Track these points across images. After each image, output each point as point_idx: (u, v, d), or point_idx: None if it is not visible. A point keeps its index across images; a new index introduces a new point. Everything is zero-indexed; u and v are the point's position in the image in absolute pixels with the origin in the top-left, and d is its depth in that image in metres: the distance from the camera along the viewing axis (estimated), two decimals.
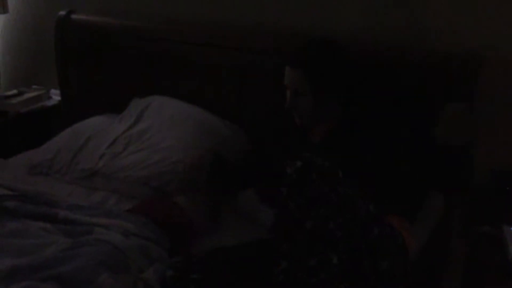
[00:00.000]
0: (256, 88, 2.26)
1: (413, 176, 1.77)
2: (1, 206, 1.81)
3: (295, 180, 1.46)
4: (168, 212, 1.88)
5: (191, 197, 1.97)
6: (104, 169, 2.15)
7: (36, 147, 2.39)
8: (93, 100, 2.70)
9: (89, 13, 2.64)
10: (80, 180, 2.17)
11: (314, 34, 2.10)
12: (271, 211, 1.86)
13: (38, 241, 1.63)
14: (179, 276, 1.53)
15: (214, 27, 2.38)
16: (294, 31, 2.23)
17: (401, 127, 1.84)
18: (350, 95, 1.88)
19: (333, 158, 1.54)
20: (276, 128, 2.05)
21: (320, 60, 1.82)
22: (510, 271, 1.69)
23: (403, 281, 1.55)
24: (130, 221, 1.75)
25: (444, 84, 1.92)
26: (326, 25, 2.20)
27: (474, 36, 1.98)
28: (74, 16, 2.63)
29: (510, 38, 1.94)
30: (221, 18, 2.40)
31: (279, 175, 1.52)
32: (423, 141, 1.88)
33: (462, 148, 1.93)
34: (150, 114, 2.33)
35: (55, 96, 2.90)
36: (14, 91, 2.85)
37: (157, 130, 2.23)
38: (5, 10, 2.84)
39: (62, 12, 2.64)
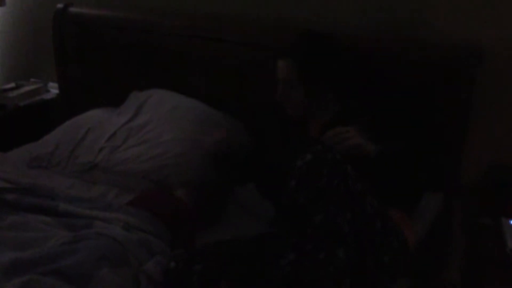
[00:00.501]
0: (256, 82, 2.25)
1: (412, 170, 1.77)
2: (1, 199, 1.81)
3: (305, 172, 1.45)
4: (167, 204, 1.88)
5: (192, 191, 1.97)
6: (103, 163, 2.15)
7: (35, 141, 2.39)
8: (91, 93, 2.69)
9: (86, 6, 2.63)
10: (80, 173, 2.17)
11: (313, 28, 2.10)
12: (271, 205, 1.86)
13: (38, 235, 1.63)
14: (182, 268, 1.53)
15: (214, 21, 2.37)
16: (295, 26, 2.22)
17: (400, 120, 1.83)
18: (346, 89, 1.87)
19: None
20: (276, 122, 2.04)
21: (309, 50, 1.84)
22: (509, 262, 1.70)
23: (403, 274, 1.56)
24: (131, 214, 1.75)
25: (443, 77, 1.92)
26: (326, 19, 2.19)
27: (473, 29, 1.97)
28: (71, 9, 2.62)
29: (509, 31, 1.94)
30: (221, 12, 2.39)
31: (282, 169, 1.51)
32: (420, 134, 1.89)
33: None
34: (149, 107, 2.32)
35: (53, 89, 2.89)
36: (12, 84, 2.84)
37: (157, 123, 2.23)
38: (2, 3, 2.84)
39: (60, 5, 2.63)
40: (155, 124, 2.23)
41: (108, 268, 1.46)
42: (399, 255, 1.53)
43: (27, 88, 2.81)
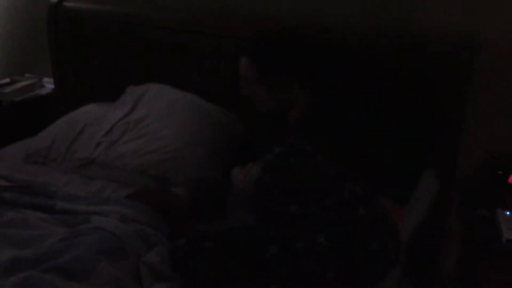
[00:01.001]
0: None
1: (402, 157, 1.80)
2: None
3: (275, 166, 1.52)
4: (165, 199, 1.89)
5: (190, 187, 1.98)
6: (101, 158, 2.14)
7: (31, 136, 2.38)
8: (87, 88, 2.68)
9: (81, 0, 2.61)
10: (77, 169, 2.16)
11: (307, 22, 2.11)
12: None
13: (37, 232, 1.63)
14: (190, 247, 1.55)
15: (210, 15, 2.36)
16: (291, 20, 2.21)
17: (385, 111, 1.86)
18: (317, 80, 1.90)
19: (313, 142, 1.58)
20: (267, 115, 2.06)
21: (264, 47, 1.91)
22: (504, 253, 1.72)
23: (396, 261, 1.57)
24: (128, 206, 1.76)
25: (440, 69, 1.93)
26: (319, 12, 2.19)
27: (469, 20, 1.97)
28: (66, 4, 2.60)
29: (505, 22, 1.95)
30: (217, 6, 2.38)
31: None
32: (407, 123, 1.91)
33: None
34: (146, 102, 2.32)
35: (48, 84, 2.88)
36: (7, 80, 2.83)
37: (154, 118, 2.22)
38: None
39: (54, 0, 2.61)
40: (152, 119, 2.22)
41: (107, 262, 1.47)
42: (388, 241, 1.54)
43: (22, 84, 2.79)
